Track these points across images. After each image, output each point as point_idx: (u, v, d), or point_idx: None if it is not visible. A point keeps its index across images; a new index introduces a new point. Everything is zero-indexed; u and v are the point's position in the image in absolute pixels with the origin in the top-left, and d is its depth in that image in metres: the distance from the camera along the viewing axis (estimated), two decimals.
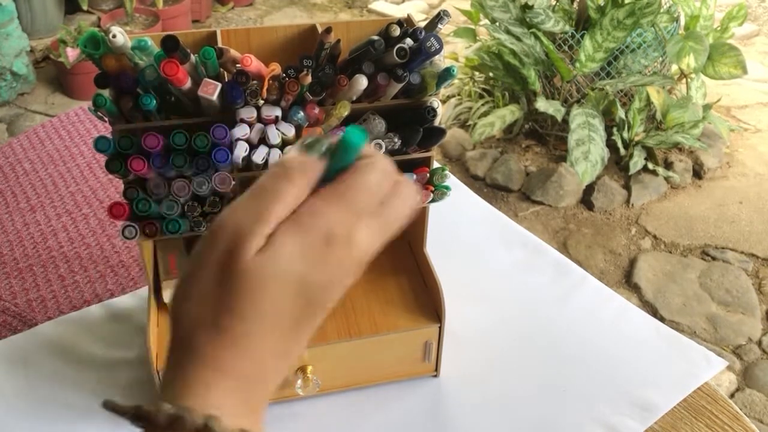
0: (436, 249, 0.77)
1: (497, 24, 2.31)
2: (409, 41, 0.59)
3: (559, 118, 2.21)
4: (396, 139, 0.61)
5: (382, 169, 0.36)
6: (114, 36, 0.52)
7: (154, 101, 0.55)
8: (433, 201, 0.68)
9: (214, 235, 0.34)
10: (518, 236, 0.97)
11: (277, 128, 0.58)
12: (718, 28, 2.43)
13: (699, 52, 2.20)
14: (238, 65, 0.57)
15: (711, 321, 1.86)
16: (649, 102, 2.29)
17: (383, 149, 0.60)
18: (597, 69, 2.27)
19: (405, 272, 0.79)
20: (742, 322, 1.86)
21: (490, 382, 0.78)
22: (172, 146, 0.57)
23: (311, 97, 0.59)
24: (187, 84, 0.54)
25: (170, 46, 0.52)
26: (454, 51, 2.79)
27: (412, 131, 0.61)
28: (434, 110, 0.62)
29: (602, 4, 2.29)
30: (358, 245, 0.35)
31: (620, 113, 2.27)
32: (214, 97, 0.55)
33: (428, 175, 0.67)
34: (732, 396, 1.69)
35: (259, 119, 0.58)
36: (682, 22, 2.41)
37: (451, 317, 0.73)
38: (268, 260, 0.33)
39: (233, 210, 0.34)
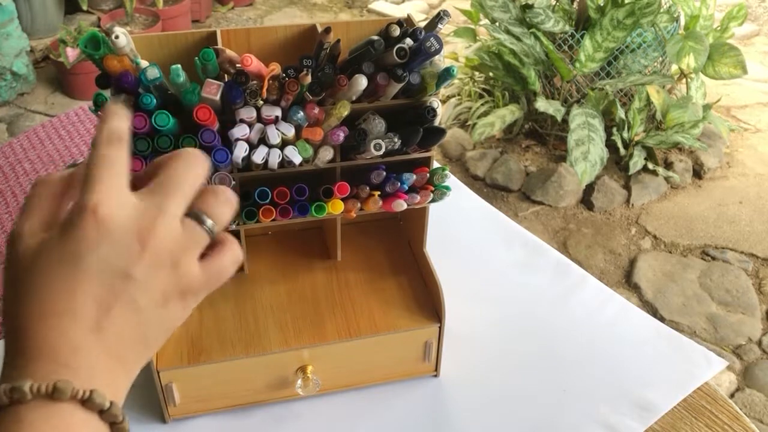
0: (436, 249, 0.77)
1: (497, 24, 2.31)
2: (409, 41, 0.59)
3: (559, 118, 2.21)
4: (396, 139, 0.61)
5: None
6: (117, 37, 0.52)
7: (155, 100, 0.55)
8: (433, 201, 0.68)
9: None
10: (518, 236, 0.98)
11: (276, 128, 0.58)
12: (718, 28, 2.43)
13: (699, 52, 2.20)
14: (237, 65, 0.57)
15: (711, 321, 1.86)
16: (649, 102, 2.29)
17: (383, 149, 0.60)
18: (597, 69, 2.27)
19: (405, 272, 0.79)
20: (742, 322, 1.86)
21: (490, 382, 0.78)
22: (159, 148, 0.57)
23: (311, 97, 0.59)
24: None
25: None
26: (454, 51, 2.79)
27: (412, 131, 0.61)
28: (434, 110, 0.62)
29: (602, 4, 2.29)
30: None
31: (620, 113, 2.27)
32: (217, 98, 0.55)
33: (428, 175, 0.67)
34: (732, 396, 1.69)
35: (259, 119, 0.58)
36: (682, 22, 2.41)
37: (451, 317, 0.73)
38: (30, 257, 0.37)
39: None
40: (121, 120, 0.40)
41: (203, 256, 0.40)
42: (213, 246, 0.40)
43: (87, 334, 0.36)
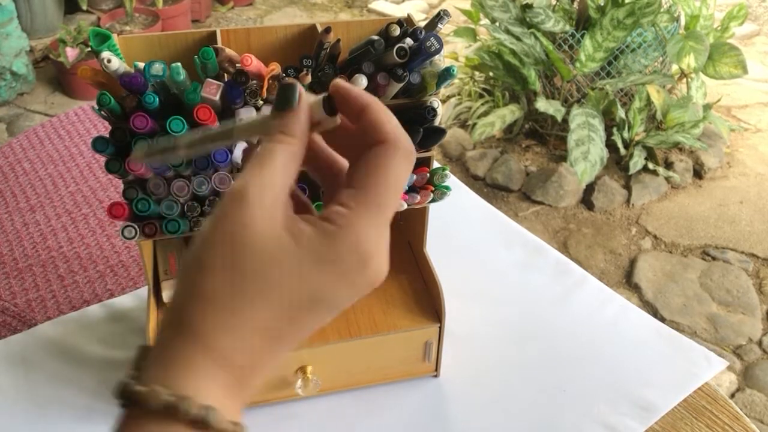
0: (436, 249, 0.77)
1: (497, 24, 2.31)
2: (409, 41, 0.59)
3: (559, 118, 2.21)
4: None
5: (408, 163, 0.36)
6: (109, 61, 0.52)
7: (157, 99, 0.55)
8: (433, 201, 0.68)
9: (222, 203, 0.33)
10: (518, 236, 0.97)
11: None
12: (719, 28, 2.43)
13: (699, 52, 2.20)
14: (237, 65, 0.57)
15: (711, 321, 1.86)
16: (649, 102, 2.29)
17: None
18: (597, 69, 2.27)
19: (405, 272, 0.79)
20: (743, 322, 1.86)
21: (490, 382, 0.78)
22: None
23: None
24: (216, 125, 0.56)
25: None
26: (454, 51, 2.79)
27: (412, 131, 0.61)
28: (434, 110, 0.62)
29: (602, 4, 2.29)
30: (378, 270, 0.34)
31: (620, 113, 2.27)
32: (217, 98, 0.55)
33: (428, 175, 0.67)
34: (732, 396, 1.69)
35: None
36: (682, 21, 2.41)
37: (451, 317, 0.73)
38: (282, 239, 0.32)
39: (239, 177, 0.34)
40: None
41: None
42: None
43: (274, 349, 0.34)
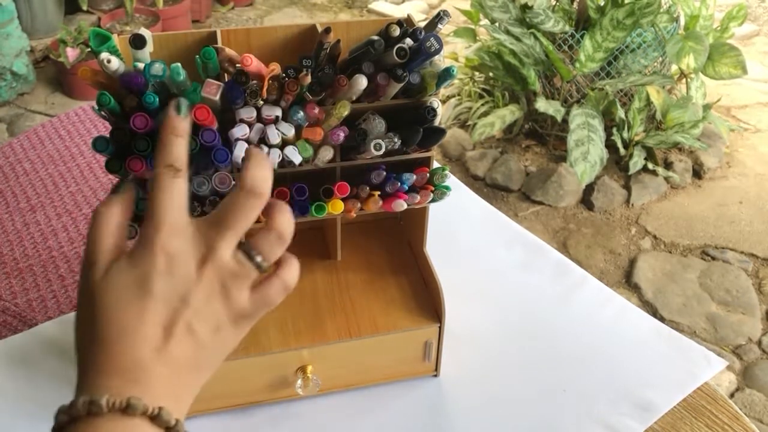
0: (436, 249, 0.77)
1: (497, 24, 2.31)
2: (409, 41, 0.59)
3: (559, 118, 2.21)
4: (396, 139, 0.61)
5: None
6: (108, 61, 0.52)
7: (158, 99, 0.55)
8: (433, 201, 0.68)
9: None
10: (518, 236, 0.98)
11: (276, 128, 0.58)
12: (718, 28, 2.43)
13: (699, 52, 2.20)
14: (237, 65, 0.57)
15: (711, 321, 1.86)
16: (649, 102, 2.29)
17: (383, 149, 0.60)
18: (597, 69, 2.27)
19: (405, 272, 0.79)
20: (742, 322, 1.86)
21: (490, 382, 0.78)
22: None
23: (311, 97, 0.59)
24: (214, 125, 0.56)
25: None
26: (454, 51, 2.79)
27: (412, 131, 0.61)
28: (434, 110, 0.62)
29: (602, 4, 2.29)
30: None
31: (620, 113, 2.27)
32: (217, 98, 0.55)
33: (428, 175, 0.67)
34: (732, 396, 1.69)
35: (259, 119, 0.58)
36: (682, 22, 2.41)
37: (451, 317, 0.73)
38: (103, 282, 0.41)
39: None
40: (179, 146, 0.43)
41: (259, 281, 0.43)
42: (277, 263, 0.44)
43: (153, 354, 0.39)
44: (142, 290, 0.40)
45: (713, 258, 2.06)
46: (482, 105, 2.46)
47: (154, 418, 0.37)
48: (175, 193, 0.42)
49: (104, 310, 0.40)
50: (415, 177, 0.65)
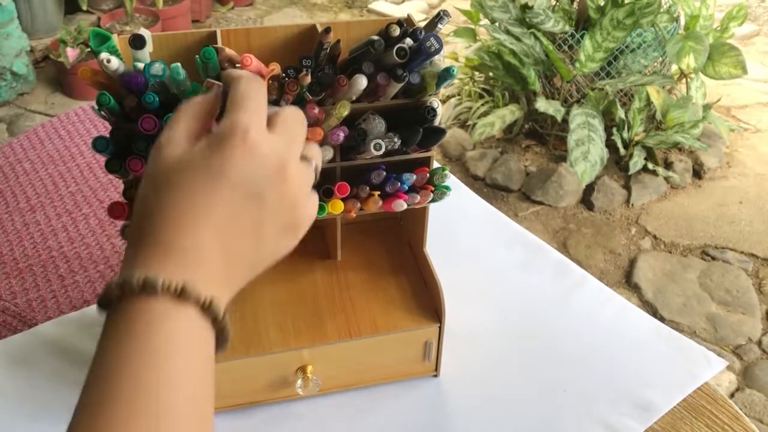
0: (436, 249, 0.77)
1: (497, 24, 2.31)
2: (409, 41, 0.59)
3: (559, 118, 2.21)
4: (396, 139, 0.61)
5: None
6: (108, 61, 0.52)
7: (157, 99, 0.55)
8: (433, 201, 0.68)
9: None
10: (518, 236, 0.97)
11: None
12: (718, 28, 2.43)
13: (699, 52, 2.20)
14: (237, 65, 0.57)
15: (711, 321, 1.86)
16: (649, 102, 2.29)
17: (383, 149, 0.60)
18: (597, 69, 2.27)
19: (405, 272, 0.79)
20: (742, 322, 1.86)
21: (490, 382, 0.78)
22: None
23: (311, 97, 0.59)
24: None
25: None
26: (454, 51, 2.79)
27: (412, 131, 0.61)
28: (434, 110, 0.62)
29: (602, 4, 2.29)
30: (250, 138, 0.41)
31: (620, 113, 2.27)
32: None
33: (428, 175, 0.67)
34: (732, 396, 1.69)
35: None
36: (682, 22, 2.41)
37: (451, 317, 0.73)
38: (178, 161, 0.40)
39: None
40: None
41: None
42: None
43: (216, 242, 0.38)
44: (219, 174, 0.39)
45: (713, 258, 2.06)
46: (482, 105, 2.46)
47: (206, 308, 0.36)
48: (260, 94, 0.42)
49: (172, 190, 0.39)
50: (415, 177, 0.65)
